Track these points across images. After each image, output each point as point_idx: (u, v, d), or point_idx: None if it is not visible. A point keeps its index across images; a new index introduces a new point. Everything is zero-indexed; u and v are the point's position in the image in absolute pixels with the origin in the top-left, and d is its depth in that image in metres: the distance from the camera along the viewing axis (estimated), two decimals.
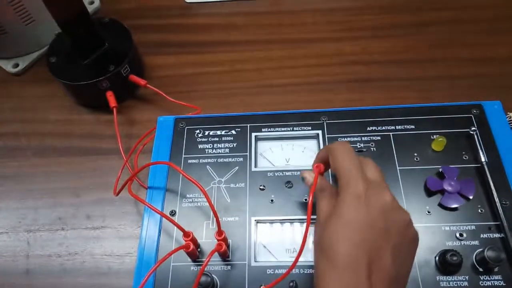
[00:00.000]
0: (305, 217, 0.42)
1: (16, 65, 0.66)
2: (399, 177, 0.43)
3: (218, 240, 0.37)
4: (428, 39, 0.63)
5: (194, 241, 0.39)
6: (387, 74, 0.60)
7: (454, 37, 0.63)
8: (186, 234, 0.38)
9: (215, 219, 0.40)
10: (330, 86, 0.60)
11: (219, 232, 0.38)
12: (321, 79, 0.61)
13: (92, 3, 0.72)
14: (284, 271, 0.39)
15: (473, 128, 0.44)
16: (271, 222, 0.42)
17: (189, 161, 0.46)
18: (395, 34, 0.65)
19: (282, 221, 0.42)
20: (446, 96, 0.57)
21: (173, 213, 0.43)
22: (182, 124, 0.49)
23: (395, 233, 0.31)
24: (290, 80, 0.61)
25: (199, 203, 0.43)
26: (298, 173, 0.44)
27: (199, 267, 0.40)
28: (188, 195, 0.44)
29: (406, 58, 0.62)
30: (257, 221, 0.42)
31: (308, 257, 0.39)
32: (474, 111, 0.46)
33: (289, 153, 0.47)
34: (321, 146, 0.46)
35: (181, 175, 0.45)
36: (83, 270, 0.49)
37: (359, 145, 0.46)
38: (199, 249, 0.41)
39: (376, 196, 0.32)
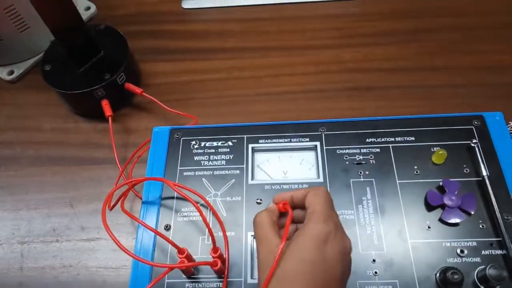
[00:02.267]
0: None
1: (11, 72, 0.66)
2: (399, 190, 0.42)
3: (213, 258, 0.37)
4: (430, 46, 0.62)
5: (189, 257, 0.38)
6: (388, 82, 0.59)
7: (456, 44, 0.62)
8: (180, 251, 0.37)
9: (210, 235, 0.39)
10: (330, 94, 0.59)
11: (214, 249, 0.37)
12: (321, 87, 0.60)
13: (88, 9, 0.71)
14: None
15: (474, 141, 0.43)
16: None
17: (185, 173, 0.45)
18: (396, 41, 0.64)
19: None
20: (448, 105, 0.56)
21: (167, 227, 0.42)
22: (177, 135, 0.48)
23: (343, 272, 0.32)
24: (289, 88, 0.61)
25: (194, 218, 0.43)
26: (296, 186, 0.44)
27: (194, 284, 0.39)
28: (183, 209, 0.43)
29: (407, 65, 0.61)
30: (254, 236, 0.41)
31: None
32: (475, 123, 0.45)
33: (287, 165, 0.46)
34: (319, 158, 0.45)
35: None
36: (78, 283, 0.48)
37: (357, 157, 0.45)
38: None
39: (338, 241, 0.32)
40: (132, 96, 0.61)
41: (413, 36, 0.64)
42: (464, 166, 0.43)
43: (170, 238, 0.41)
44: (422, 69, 0.60)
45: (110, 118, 0.56)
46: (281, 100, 0.60)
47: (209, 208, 0.42)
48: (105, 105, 0.57)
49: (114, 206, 0.45)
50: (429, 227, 0.40)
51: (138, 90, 0.58)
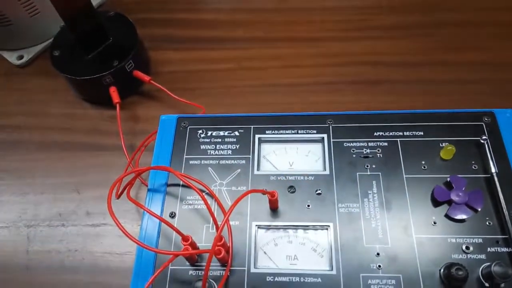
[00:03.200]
0: (307, 224, 0.41)
1: (21, 57, 0.66)
2: (406, 185, 0.42)
3: (217, 246, 0.37)
4: (440, 41, 0.62)
5: (193, 245, 0.38)
6: (396, 76, 0.59)
7: (466, 40, 0.61)
8: (185, 238, 0.37)
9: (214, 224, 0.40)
10: (337, 87, 0.59)
11: (218, 237, 0.37)
12: (328, 80, 0.60)
13: None
14: (284, 278, 0.38)
15: (484, 137, 0.43)
16: (273, 228, 0.41)
17: (191, 162, 0.45)
18: (406, 35, 0.63)
19: (283, 227, 0.41)
20: (456, 101, 0.55)
21: (172, 215, 0.42)
22: (184, 123, 0.48)
23: None
24: (296, 80, 0.60)
25: (199, 206, 0.43)
26: (302, 177, 0.43)
27: (198, 271, 0.39)
28: (188, 197, 0.43)
29: (416, 60, 0.60)
30: (258, 226, 0.41)
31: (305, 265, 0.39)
32: (486, 119, 0.45)
33: (293, 156, 0.46)
34: (326, 150, 0.45)
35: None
36: (82, 267, 0.49)
37: (365, 150, 0.44)
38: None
39: None
40: (140, 83, 0.61)
41: (422, 30, 0.63)
42: (473, 162, 0.43)
43: (175, 225, 0.42)
44: (431, 64, 0.60)
45: (118, 105, 0.56)
46: (287, 92, 0.59)
47: (213, 198, 0.42)
48: (113, 92, 0.57)
49: (121, 194, 0.45)
50: (434, 223, 0.40)
51: (146, 78, 0.58)
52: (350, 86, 0.59)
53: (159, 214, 0.42)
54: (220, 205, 0.41)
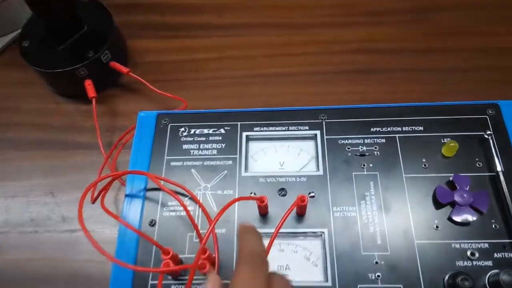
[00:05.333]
0: (300, 230, 0.38)
1: None
2: (405, 185, 0.39)
3: (201, 259, 0.33)
4: (438, 27, 0.58)
5: (174, 258, 0.34)
6: (392, 64, 0.56)
7: (466, 24, 0.58)
8: (165, 251, 0.33)
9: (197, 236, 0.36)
10: (330, 77, 0.55)
11: (202, 250, 0.34)
12: (320, 69, 0.56)
13: None
14: None
15: (488, 132, 0.40)
16: (262, 235, 0.38)
17: (172, 163, 0.42)
18: (402, 20, 0.59)
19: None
20: (456, 91, 0.52)
21: (152, 223, 0.39)
22: (165, 120, 0.44)
23: None
24: (286, 69, 0.57)
25: (182, 212, 0.39)
26: (293, 179, 0.40)
27: (181, 286, 0.36)
28: (169, 203, 0.40)
29: (413, 47, 0.57)
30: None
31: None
32: (490, 112, 0.42)
33: (284, 155, 0.42)
34: (319, 148, 0.41)
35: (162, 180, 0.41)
36: (59, 277, 0.45)
37: (361, 148, 0.41)
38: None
39: None
40: (118, 76, 0.57)
41: (420, 15, 0.60)
42: (477, 159, 0.40)
43: (155, 235, 0.38)
44: (429, 51, 0.56)
45: (93, 100, 0.52)
46: (277, 82, 0.56)
47: (197, 204, 0.38)
48: (88, 86, 0.53)
49: (96, 198, 0.41)
50: (437, 227, 0.37)
51: (124, 69, 0.54)
52: (344, 76, 0.55)
53: (137, 222, 0.39)
54: (205, 212, 0.38)
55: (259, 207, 0.37)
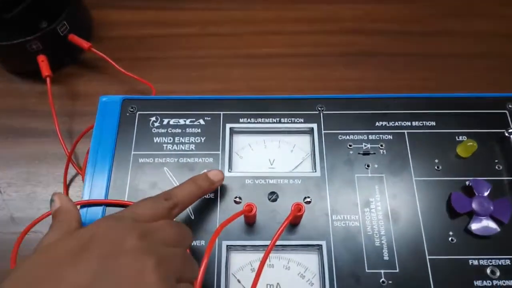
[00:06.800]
0: (293, 242, 0.32)
1: None
2: (415, 191, 0.33)
3: None
4: (444, 7, 0.52)
5: None
6: (393, 48, 0.50)
7: (474, 5, 0.52)
8: None
9: None
10: (324, 60, 0.49)
11: None
12: (314, 51, 0.50)
13: None
14: None
15: (510, 130, 0.35)
16: (249, 248, 0.32)
17: (141, 160, 0.35)
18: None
19: (262, 248, 0.32)
20: (463, 79, 0.47)
21: None
22: (132, 108, 0.37)
23: None
24: (276, 49, 0.50)
25: None
26: (286, 181, 0.34)
27: None
28: None
29: (417, 29, 0.51)
30: (230, 247, 0.32)
31: None
32: (510, 106, 0.36)
33: (274, 152, 0.36)
34: (316, 145, 0.35)
35: (128, 177, 0.34)
36: None
37: (365, 145, 0.35)
38: None
39: None
40: (78, 51, 0.49)
41: None
42: (496, 161, 0.35)
43: None
44: (434, 34, 0.51)
45: (48, 79, 0.45)
46: (264, 64, 0.49)
47: None
48: (42, 62, 0.46)
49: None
50: (452, 240, 0.32)
51: (85, 44, 0.46)
52: (339, 59, 0.49)
53: None
54: None
55: (245, 216, 0.31)
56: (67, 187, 0.42)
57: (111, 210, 0.33)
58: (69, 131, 0.45)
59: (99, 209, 0.33)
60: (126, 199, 0.33)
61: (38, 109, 0.47)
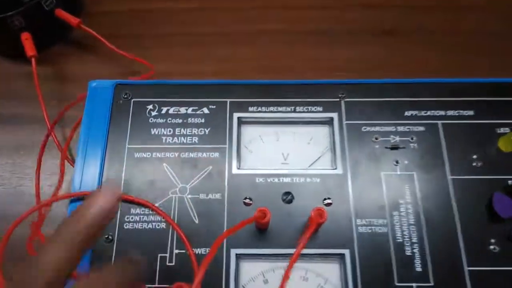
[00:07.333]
0: (311, 251, 0.28)
1: None
2: (450, 190, 0.29)
3: None
4: None
5: None
6: (416, 24, 0.44)
7: None
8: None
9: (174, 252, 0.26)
10: (343, 38, 0.44)
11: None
12: (331, 27, 0.45)
13: None
14: None
15: None
16: (261, 257, 0.28)
17: (136, 154, 0.30)
18: None
19: (276, 256, 0.28)
20: (504, 61, 0.41)
21: (109, 239, 0.28)
22: (126, 94, 0.32)
23: None
24: (288, 25, 0.45)
25: (150, 224, 0.28)
26: (302, 179, 0.30)
27: None
28: (132, 210, 0.29)
29: (450, 2, 0.45)
30: (239, 256, 0.28)
31: None
32: None
33: (289, 145, 0.31)
34: (337, 137, 0.31)
35: (122, 175, 0.30)
36: None
37: (393, 138, 0.31)
38: None
39: None
40: (67, 29, 0.44)
41: None
42: None
43: (113, 255, 0.28)
44: (472, 7, 0.45)
45: (33, 60, 0.40)
46: (272, 42, 0.44)
47: (168, 222, 0.28)
48: (26, 41, 0.41)
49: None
50: (494, 248, 0.28)
51: (74, 20, 0.42)
52: (355, 37, 0.44)
53: None
54: (179, 233, 0.27)
55: (257, 222, 0.27)
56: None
57: None
58: (60, 118, 0.41)
59: None
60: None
61: (24, 93, 0.42)
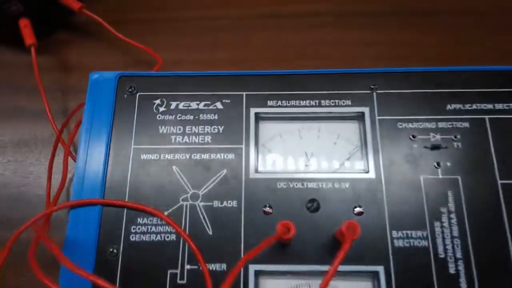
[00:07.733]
0: (341, 268, 0.24)
1: None
2: (501, 196, 0.25)
3: None
4: None
5: None
6: (459, 5, 0.40)
7: None
8: None
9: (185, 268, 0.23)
10: (371, 20, 0.40)
11: None
12: (358, 8, 0.40)
13: None
14: None
15: None
16: (283, 274, 0.25)
17: (143, 156, 0.27)
18: None
19: (301, 274, 0.25)
20: None
21: (113, 253, 0.25)
22: (131, 87, 0.29)
23: None
24: (309, 6, 0.41)
25: (158, 236, 0.25)
26: (329, 184, 0.26)
27: None
28: (139, 220, 0.26)
29: None
30: (259, 273, 0.25)
31: None
32: None
33: (312, 144, 0.28)
34: (369, 135, 0.27)
35: (128, 180, 0.27)
36: None
37: (433, 136, 0.27)
38: None
39: None
40: (68, 14, 0.41)
41: None
42: None
43: (118, 271, 0.25)
44: None
45: (33, 48, 0.38)
46: (294, 26, 0.41)
47: (177, 232, 0.25)
48: (25, 28, 0.38)
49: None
50: None
51: (75, 4, 0.38)
52: (389, 19, 0.40)
53: (92, 249, 0.25)
54: (190, 244, 0.24)
55: (280, 238, 0.23)
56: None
57: (108, 211, 0.26)
58: (64, 111, 0.38)
59: (94, 210, 0.26)
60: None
61: (25, 84, 0.40)
